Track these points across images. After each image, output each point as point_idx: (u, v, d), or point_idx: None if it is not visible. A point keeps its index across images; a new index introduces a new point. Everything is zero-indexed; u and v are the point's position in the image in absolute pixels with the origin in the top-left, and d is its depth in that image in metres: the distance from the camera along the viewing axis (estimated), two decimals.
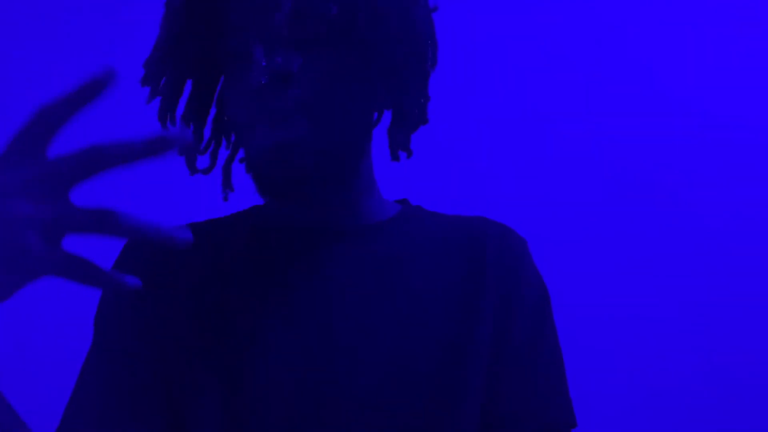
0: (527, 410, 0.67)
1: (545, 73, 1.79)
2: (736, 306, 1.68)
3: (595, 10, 1.81)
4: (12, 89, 1.80)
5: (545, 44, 1.80)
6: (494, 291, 0.70)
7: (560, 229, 1.71)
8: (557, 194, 1.74)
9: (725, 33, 1.78)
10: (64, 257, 0.41)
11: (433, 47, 0.71)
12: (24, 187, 0.40)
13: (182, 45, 0.67)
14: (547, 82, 1.79)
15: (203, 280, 0.69)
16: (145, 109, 0.72)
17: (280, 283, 0.68)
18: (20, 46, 1.82)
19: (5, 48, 1.82)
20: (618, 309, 1.69)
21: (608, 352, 1.66)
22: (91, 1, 1.84)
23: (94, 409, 0.64)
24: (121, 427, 0.63)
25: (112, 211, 0.40)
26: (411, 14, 0.67)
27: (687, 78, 1.77)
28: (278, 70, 0.60)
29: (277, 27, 0.60)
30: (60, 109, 0.40)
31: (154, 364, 0.65)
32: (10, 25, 1.82)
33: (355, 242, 0.70)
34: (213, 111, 0.75)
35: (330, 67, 0.63)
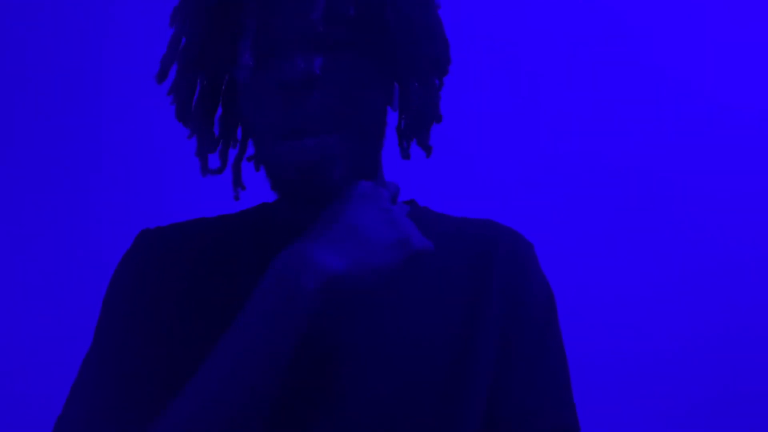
0: (531, 415, 0.67)
1: (549, 71, 1.78)
2: (744, 314, 1.67)
3: (598, 6, 1.80)
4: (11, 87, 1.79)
5: (547, 40, 1.79)
6: (501, 295, 0.69)
7: (565, 232, 1.71)
8: (565, 197, 1.74)
9: (724, 31, 1.77)
10: None
11: (447, 45, 0.70)
12: None
13: (199, 45, 0.66)
14: (552, 81, 1.78)
15: (209, 279, 0.68)
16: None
17: None
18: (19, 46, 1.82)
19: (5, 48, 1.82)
20: (622, 313, 1.68)
21: (611, 356, 1.66)
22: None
23: (95, 405, 0.63)
24: (121, 425, 0.62)
25: None
26: (432, 12, 0.67)
27: (687, 76, 1.77)
28: (303, 74, 0.59)
29: (309, 28, 0.59)
30: None
31: (156, 364, 0.64)
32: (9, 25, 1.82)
33: None
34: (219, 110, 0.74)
35: (355, 69, 0.62)
